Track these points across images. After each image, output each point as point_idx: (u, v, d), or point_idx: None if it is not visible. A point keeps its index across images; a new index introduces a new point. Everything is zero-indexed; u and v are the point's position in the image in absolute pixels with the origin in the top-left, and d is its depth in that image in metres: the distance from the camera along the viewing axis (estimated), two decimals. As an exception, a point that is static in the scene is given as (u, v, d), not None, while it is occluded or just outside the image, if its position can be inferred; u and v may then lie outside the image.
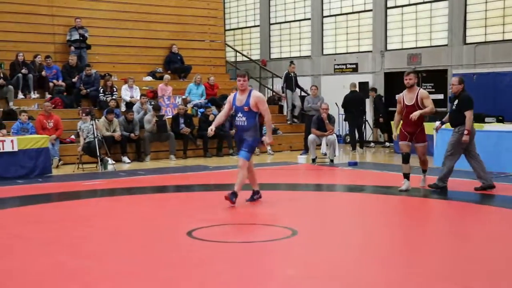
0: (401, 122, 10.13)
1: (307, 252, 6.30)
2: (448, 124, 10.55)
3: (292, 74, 18.99)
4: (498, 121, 15.30)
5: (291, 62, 19.53)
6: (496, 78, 17.51)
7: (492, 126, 14.34)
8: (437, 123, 11.12)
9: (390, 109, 19.87)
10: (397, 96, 9.99)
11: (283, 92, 19.54)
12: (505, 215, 8.21)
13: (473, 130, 10.03)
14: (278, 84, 21.93)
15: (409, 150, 10.04)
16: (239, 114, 8.70)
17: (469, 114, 9.78)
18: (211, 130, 8.84)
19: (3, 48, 17.26)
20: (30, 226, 7.69)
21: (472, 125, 9.90)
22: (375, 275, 5.43)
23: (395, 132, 10.24)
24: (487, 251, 6.18)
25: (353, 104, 18.05)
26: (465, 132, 9.61)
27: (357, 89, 18.55)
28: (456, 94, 10.10)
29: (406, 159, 9.96)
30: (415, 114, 9.61)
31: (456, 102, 10.06)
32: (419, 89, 9.93)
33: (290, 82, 18.89)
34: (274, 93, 21.37)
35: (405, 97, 9.91)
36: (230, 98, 9.10)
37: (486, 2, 17.93)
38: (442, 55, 18.80)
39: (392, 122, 17.05)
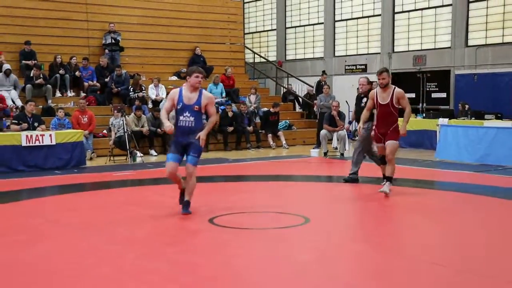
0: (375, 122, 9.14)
1: (319, 238, 6.32)
2: (453, 120, 10.43)
3: (323, 82, 18.83)
4: (497, 118, 15.20)
5: (323, 72, 19.67)
6: (496, 78, 17.37)
7: (491, 122, 14.27)
8: (347, 125, 10.87)
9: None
10: (370, 92, 8.98)
11: (314, 99, 18.88)
12: None
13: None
14: (293, 83, 21.93)
15: (385, 151, 8.97)
16: (186, 114, 7.18)
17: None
18: (170, 127, 7.13)
19: (42, 50, 17.42)
20: (66, 212, 7.78)
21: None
22: (383, 260, 5.44)
23: (361, 126, 9.15)
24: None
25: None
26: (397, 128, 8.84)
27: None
28: (365, 93, 10.00)
29: (382, 160, 9.02)
30: (403, 133, 8.72)
31: (364, 100, 9.92)
32: (394, 88, 8.68)
33: (320, 89, 18.41)
34: (289, 91, 21.33)
35: (379, 96, 8.72)
36: (173, 95, 7.31)
37: (487, 8, 17.77)
38: (445, 57, 18.67)
39: (399, 119, 17.07)
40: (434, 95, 19.09)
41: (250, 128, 17.13)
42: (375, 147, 9.37)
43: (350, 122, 10.71)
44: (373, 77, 20.23)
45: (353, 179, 9.98)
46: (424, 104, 19.23)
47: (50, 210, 8.09)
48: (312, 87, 20.00)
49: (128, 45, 18.95)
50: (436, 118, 15.52)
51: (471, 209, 7.88)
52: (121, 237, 6.32)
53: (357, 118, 10.09)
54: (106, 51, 18.23)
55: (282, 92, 22.02)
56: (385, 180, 8.78)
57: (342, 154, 14.27)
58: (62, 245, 6.03)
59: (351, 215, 7.42)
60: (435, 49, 19.04)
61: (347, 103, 18.91)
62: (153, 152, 15.16)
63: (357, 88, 11.19)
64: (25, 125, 12.80)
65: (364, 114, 9.04)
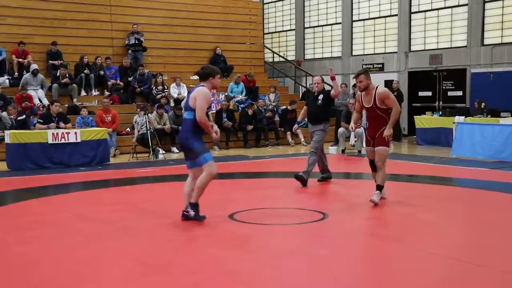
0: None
1: (337, 234, 6.29)
2: (469, 118, 10.15)
3: (356, 92, 18.70)
4: (513, 115, 15.04)
5: (355, 85, 19.04)
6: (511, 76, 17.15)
7: (506, 120, 14.10)
8: (295, 125, 10.08)
9: (414, 104, 19.70)
10: (356, 94, 8.17)
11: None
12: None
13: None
14: (311, 82, 21.83)
15: (373, 156, 7.92)
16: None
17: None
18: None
19: (67, 51, 17.56)
20: (90, 208, 7.82)
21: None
22: (400, 256, 5.40)
23: (353, 124, 8.34)
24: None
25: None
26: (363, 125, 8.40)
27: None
28: (319, 92, 9.53)
29: (372, 166, 7.97)
30: (387, 135, 7.61)
31: (321, 97, 9.41)
32: (376, 88, 7.64)
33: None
34: (309, 90, 21.24)
35: (363, 99, 7.77)
36: (209, 97, 6.60)
37: (502, 7, 17.54)
38: (461, 56, 18.47)
39: (416, 117, 16.94)
40: (450, 93, 18.91)
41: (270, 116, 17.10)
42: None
43: (299, 123, 10.17)
44: (390, 76, 20.22)
45: (304, 178, 9.45)
46: (441, 102, 19.06)
47: (75, 205, 8.14)
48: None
49: (151, 45, 19.01)
50: (453, 116, 15.38)
51: (489, 206, 7.78)
52: (143, 232, 6.34)
53: (309, 119, 9.56)
54: (129, 51, 18.32)
55: (301, 91, 21.94)
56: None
57: (359, 151, 14.20)
58: (87, 238, 6.07)
59: (369, 211, 7.37)
60: (451, 48, 18.85)
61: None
62: (174, 149, 15.21)
63: (312, 87, 10.79)
64: (53, 125, 12.90)
65: (354, 116, 8.18)
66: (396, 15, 20.38)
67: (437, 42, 19.30)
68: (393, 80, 18.81)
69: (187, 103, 6.62)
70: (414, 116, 17.24)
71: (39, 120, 13.20)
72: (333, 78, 9.42)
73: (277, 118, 17.97)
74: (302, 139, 16.89)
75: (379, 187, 7.75)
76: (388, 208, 7.61)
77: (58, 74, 16.09)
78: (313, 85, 9.96)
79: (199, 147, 6.54)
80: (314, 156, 9.49)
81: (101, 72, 17.08)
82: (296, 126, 10.15)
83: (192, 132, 6.51)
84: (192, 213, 6.60)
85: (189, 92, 6.83)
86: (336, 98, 16.79)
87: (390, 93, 7.72)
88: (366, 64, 21.34)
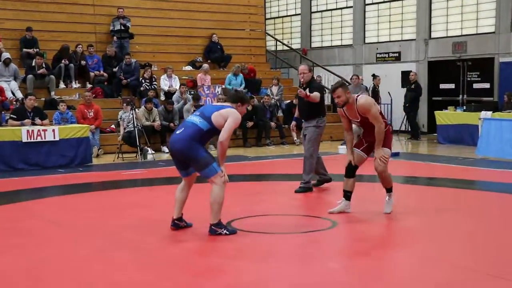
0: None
1: (347, 244, 6.25)
2: (497, 113, 9.97)
3: (378, 87, 18.38)
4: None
5: (374, 76, 18.72)
6: (545, 66, 17.14)
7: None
8: (293, 123, 9.95)
9: (434, 98, 19.66)
10: (338, 110, 7.60)
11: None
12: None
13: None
14: (320, 73, 21.83)
15: (360, 162, 7.55)
16: None
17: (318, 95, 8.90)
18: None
19: (44, 38, 17.52)
20: (70, 214, 7.79)
21: None
22: (417, 271, 5.36)
23: (351, 157, 7.50)
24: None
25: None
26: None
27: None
28: (307, 83, 9.17)
29: (349, 171, 7.57)
30: (382, 157, 7.31)
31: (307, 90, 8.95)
32: (356, 101, 7.21)
33: (376, 96, 17.55)
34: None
35: (347, 114, 7.39)
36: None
37: (535, -12, 17.54)
38: (488, 43, 18.44)
39: (436, 112, 16.86)
40: (475, 85, 18.87)
41: (272, 124, 17.06)
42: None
43: (296, 119, 9.89)
44: (408, 66, 20.25)
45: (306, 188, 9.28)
46: (465, 96, 19.03)
47: (52, 212, 8.11)
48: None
49: (139, 32, 18.98)
50: (478, 111, 15.34)
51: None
52: (128, 241, 6.31)
53: (301, 115, 9.37)
54: (115, 38, 18.27)
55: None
56: (387, 195, 7.57)
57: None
58: (62, 249, 6.03)
59: (382, 218, 7.33)
60: (477, 34, 18.81)
61: (389, 94, 18.69)
62: (165, 149, 15.16)
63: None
64: (28, 121, 12.85)
65: (347, 138, 7.63)
66: (415, -3, 20.38)
67: (461, 28, 19.26)
68: (410, 71, 18.79)
69: (207, 112, 6.53)
70: (435, 112, 17.20)
71: (11, 115, 13.15)
72: (307, 97, 8.91)
73: (280, 113, 17.93)
74: (295, 137, 16.48)
75: (389, 190, 7.53)
76: (405, 215, 7.56)
77: (33, 64, 16.06)
78: (299, 75, 9.54)
79: (206, 156, 6.44)
80: (310, 160, 9.20)
81: (83, 62, 17.04)
82: (293, 123, 9.97)
83: (197, 141, 6.43)
84: (223, 231, 6.48)
85: (210, 105, 6.76)
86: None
87: (372, 104, 7.23)
88: (380, 53, 21.33)
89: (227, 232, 6.47)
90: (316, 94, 8.92)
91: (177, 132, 6.55)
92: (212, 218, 6.49)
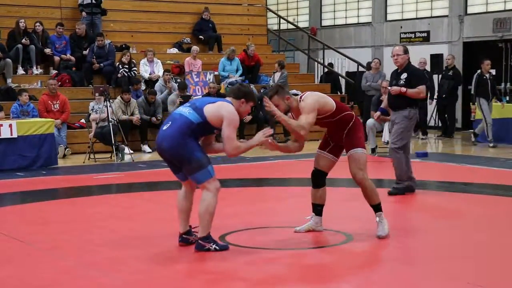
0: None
1: (364, 262, 6.28)
2: None
3: (488, 75, 16.20)
4: None
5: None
6: None
7: None
8: (378, 113, 10.20)
9: (471, 87, 19.66)
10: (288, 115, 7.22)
11: (473, 103, 16.47)
12: None
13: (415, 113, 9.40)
14: (330, 57, 21.82)
15: (328, 167, 7.36)
16: None
17: (423, 88, 9.20)
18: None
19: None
20: (31, 227, 7.79)
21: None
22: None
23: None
24: None
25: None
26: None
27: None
28: (402, 67, 9.29)
29: (316, 180, 7.36)
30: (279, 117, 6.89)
31: (405, 76, 9.23)
32: (300, 103, 6.99)
33: (485, 87, 16.05)
34: (330, 71, 21.23)
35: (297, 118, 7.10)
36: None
37: None
38: (537, 20, 18.50)
39: (473, 106, 16.78)
40: (309, 105, 18.67)
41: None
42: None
43: (383, 110, 9.94)
44: (439, 48, 20.22)
45: (397, 190, 9.52)
46: (508, 84, 19.04)
47: (10, 224, 8.10)
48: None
49: (113, 7, 19.00)
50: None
51: None
52: (101, 259, 6.32)
53: (391, 104, 9.58)
54: (84, 14, 18.21)
55: (316, 69, 21.93)
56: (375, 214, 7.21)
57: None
58: (24, 269, 6.04)
59: (405, 231, 7.36)
60: (522, 10, 18.86)
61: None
62: (146, 148, 15.21)
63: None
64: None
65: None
66: (447, -35, 20.42)
67: (504, 2, 19.28)
68: (441, 55, 18.79)
69: (200, 103, 6.47)
70: (471, 104, 17.16)
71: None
72: (404, 93, 9.17)
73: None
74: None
75: (376, 208, 7.15)
76: (431, 228, 7.60)
77: (-15, 46, 16.09)
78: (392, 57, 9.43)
79: (202, 157, 6.36)
80: (395, 155, 9.38)
81: (47, 50, 16.84)
82: (378, 113, 10.30)
83: (188, 136, 6.29)
84: (212, 246, 6.46)
85: (206, 97, 6.63)
86: (364, 80, 16.96)
87: (310, 102, 6.93)
88: (405, 33, 21.34)
89: (217, 248, 6.46)
90: (418, 90, 9.02)
91: (164, 127, 6.44)
92: (200, 231, 6.47)
